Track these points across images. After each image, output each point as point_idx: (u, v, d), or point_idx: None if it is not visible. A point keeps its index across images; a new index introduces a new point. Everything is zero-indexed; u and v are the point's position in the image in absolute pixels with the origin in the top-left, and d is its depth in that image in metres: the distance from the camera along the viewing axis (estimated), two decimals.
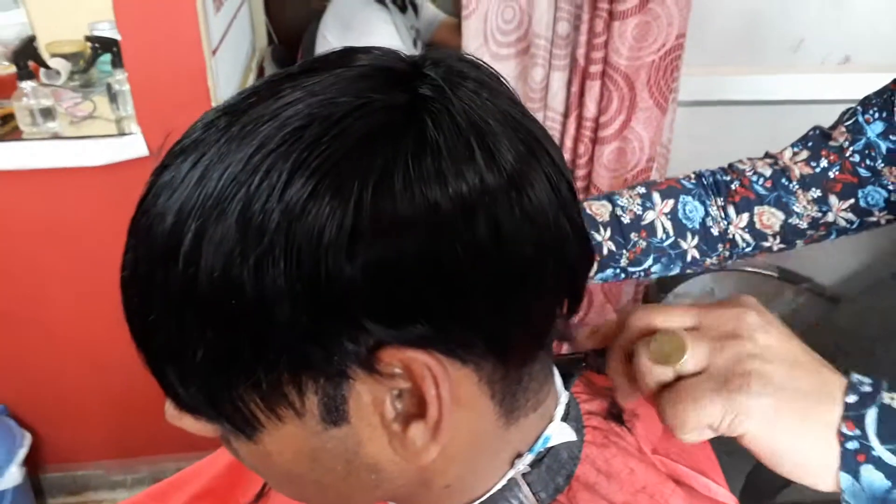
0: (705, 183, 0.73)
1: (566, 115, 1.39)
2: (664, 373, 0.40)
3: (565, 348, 0.53)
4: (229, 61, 1.64)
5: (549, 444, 0.42)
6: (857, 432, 0.37)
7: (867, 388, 0.38)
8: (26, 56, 1.39)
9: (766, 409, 0.37)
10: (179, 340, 0.31)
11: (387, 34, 2.06)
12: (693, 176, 0.74)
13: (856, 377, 0.39)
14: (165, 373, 0.33)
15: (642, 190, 0.71)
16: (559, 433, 0.43)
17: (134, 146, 1.41)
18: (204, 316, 0.30)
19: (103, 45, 1.54)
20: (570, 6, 1.27)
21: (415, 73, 0.33)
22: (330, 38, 2.10)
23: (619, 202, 0.70)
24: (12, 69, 1.40)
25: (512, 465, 0.41)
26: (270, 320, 0.30)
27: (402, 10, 2.21)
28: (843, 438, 0.37)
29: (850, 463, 0.37)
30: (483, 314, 0.32)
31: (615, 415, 0.48)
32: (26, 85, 1.40)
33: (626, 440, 0.48)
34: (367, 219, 0.29)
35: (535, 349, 0.38)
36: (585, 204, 0.70)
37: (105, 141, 1.44)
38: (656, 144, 1.39)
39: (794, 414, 0.38)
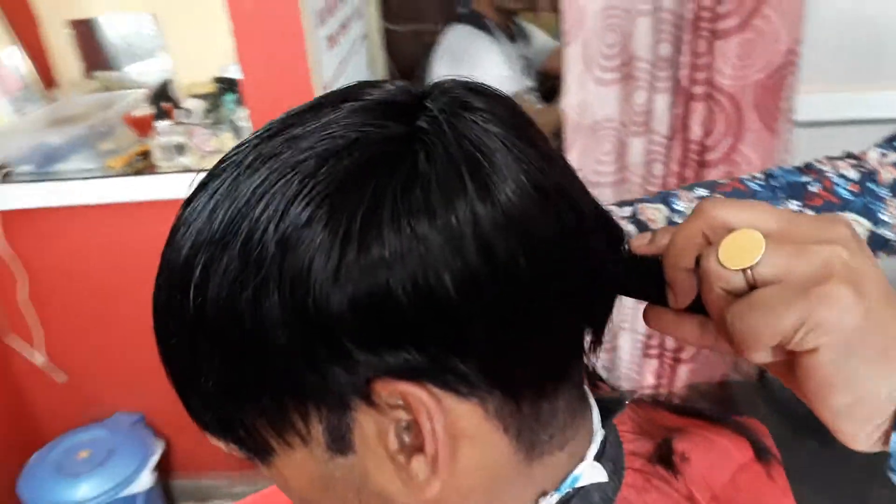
0: (776, 184, 0.66)
1: (670, 139, 1.35)
2: (735, 278, 0.33)
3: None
4: None
5: (579, 485, 0.41)
6: None
7: None
8: (162, 98, 1.53)
9: (849, 329, 0.31)
10: (193, 366, 0.34)
11: (494, 64, 2.09)
12: (762, 176, 0.67)
13: None
14: (186, 396, 0.36)
15: (702, 192, 0.65)
16: (590, 473, 0.42)
17: None
18: (212, 343, 0.33)
19: (228, 85, 1.67)
20: (671, 27, 1.24)
21: (417, 105, 0.34)
22: (439, 72, 2.16)
23: (676, 206, 0.65)
24: (150, 111, 1.55)
25: (536, 503, 0.40)
26: (269, 349, 0.31)
27: (512, 39, 2.24)
28: None
29: None
30: (479, 346, 0.32)
31: (662, 457, 0.46)
32: (162, 124, 1.55)
33: (674, 485, 0.45)
34: (354, 250, 0.30)
35: (551, 384, 0.37)
36: (639, 207, 0.65)
37: None
38: (768, 167, 1.31)
39: (875, 345, 0.32)
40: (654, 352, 1.53)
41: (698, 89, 1.24)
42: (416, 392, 0.32)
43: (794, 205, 0.65)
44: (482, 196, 0.31)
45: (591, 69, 1.38)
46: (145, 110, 1.58)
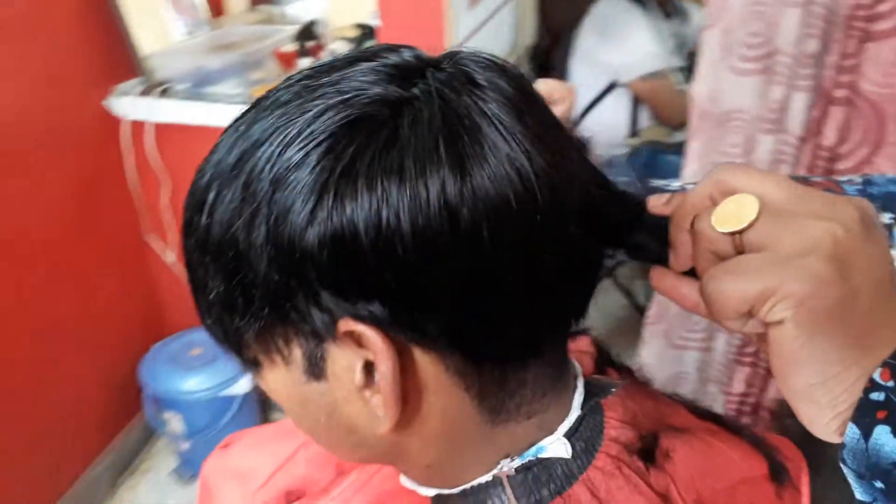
0: (873, 192, 0.61)
1: (803, 141, 1.26)
2: (723, 241, 0.33)
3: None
4: None
5: (542, 455, 0.43)
6: (891, 384, 0.30)
7: None
8: (306, 37, 1.62)
9: (820, 307, 0.30)
10: (202, 279, 0.38)
11: (643, 39, 2.02)
12: (860, 181, 0.62)
13: None
14: (198, 304, 0.41)
15: None
16: (555, 447, 0.43)
17: None
18: (214, 260, 0.37)
19: (369, 31, 1.73)
20: (822, 22, 1.15)
21: (422, 72, 0.36)
22: (586, 41, 2.12)
23: None
24: (294, 47, 1.64)
25: (497, 464, 0.43)
26: (255, 275, 0.35)
27: (668, 16, 2.15)
28: (871, 385, 0.30)
29: (864, 415, 0.30)
30: (439, 306, 0.34)
31: (642, 449, 0.47)
32: (303, 61, 1.64)
33: (647, 478, 0.46)
34: (329, 197, 0.33)
35: (518, 355, 0.39)
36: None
37: None
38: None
39: (851, 330, 0.31)
40: (747, 360, 1.47)
41: (840, 92, 1.15)
42: (371, 335, 0.35)
43: (887, 217, 0.61)
44: (454, 169, 0.33)
45: (729, 57, 1.31)
46: (293, 46, 1.67)
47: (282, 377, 0.40)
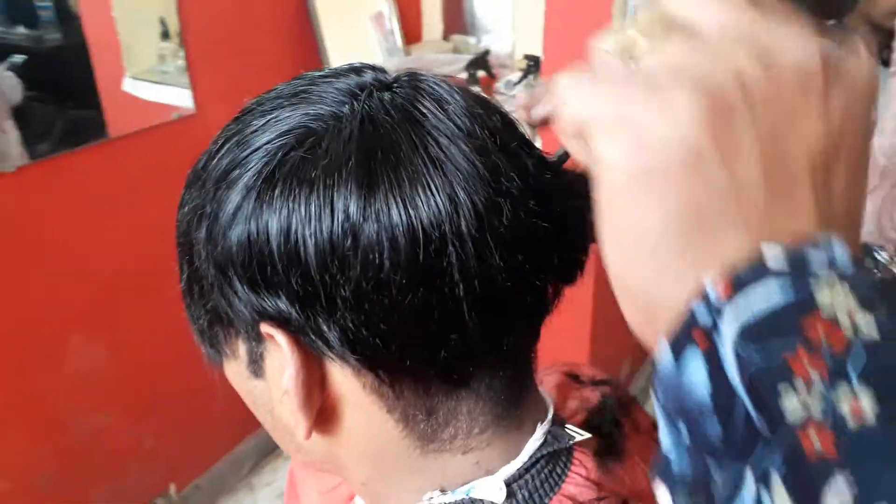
0: None
1: None
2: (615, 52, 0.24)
3: None
4: None
5: (473, 495, 0.42)
6: (725, 304, 0.21)
7: (818, 256, 0.21)
8: (477, 67, 1.68)
9: (658, 165, 0.22)
10: (179, 266, 0.43)
11: None
12: None
13: (831, 238, 0.21)
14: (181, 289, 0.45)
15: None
16: (488, 489, 0.42)
17: None
18: (180, 252, 0.41)
19: (534, 62, 1.75)
20: None
21: (370, 93, 0.37)
22: None
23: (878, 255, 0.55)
24: (464, 75, 1.71)
25: (426, 495, 0.42)
26: (199, 267, 0.39)
27: (885, 63, 1.91)
28: (701, 296, 0.21)
29: (682, 336, 0.22)
30: (337, 314, 0.35)
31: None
32: (473, 89, 1.70)
33: None
34: (252, 199, 0.35)
35: (441, 382, 0.38)
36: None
37: None
38: None
39: (690, 222, 0.22)
40: None
41: None
42: (280, 337, 0.36)
43: None
44: (361, 187, 0.34)
45: None
46: (465, 75, 1.75)
47: (234, 371, 0.43)
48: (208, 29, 1.61)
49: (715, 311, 0.21)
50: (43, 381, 1.44)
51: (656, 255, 0.23)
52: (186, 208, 0.40)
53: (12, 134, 1.30)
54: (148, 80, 1.55)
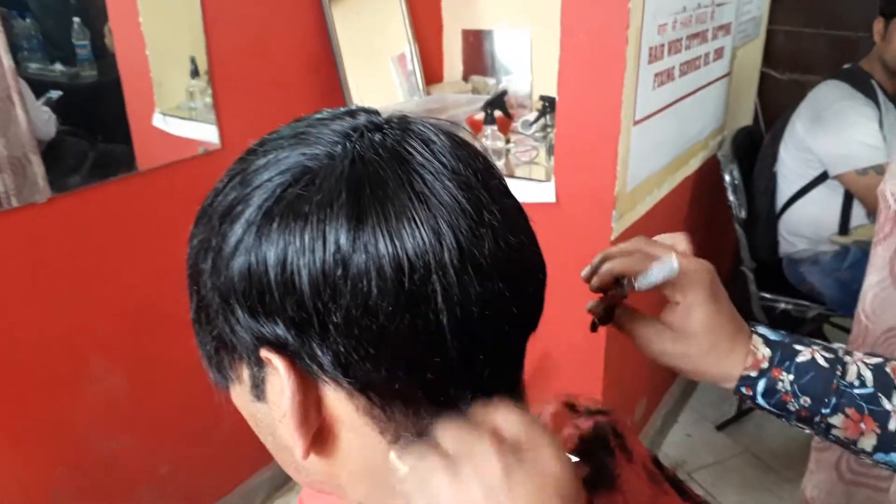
0: None
1: None
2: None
3: None
4: (660, 132, 1.72)
5: None
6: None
7: None
8: (494, 106, 1.72)
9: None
10: (189, 296, 0.45)
11: (863, 130, 1.85)
12: None
13: None
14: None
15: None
16: None
17: (545, 193, 1.62)
18: (190, 282, 0.44)
19: (550, 103, 1.79)
20: None
21: (362, 134, 0.40)
22: (798, 126, 1.98)
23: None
24: (481, 115, 1.75)
25: None
26: (205, 296, 0.41)
27: None
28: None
29: None
30: (329, 338, 0.37)
31: None
32: (489, 129, 1.74)
33: None
34: (252, 233, 0.38)
35: (429, 404, 0.40)
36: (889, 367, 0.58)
37: (532, 184, 1.68)
38: None
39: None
40: None
41: None
42: (277, 361, 0.39)
43: None
44: (350, 220, 0.37)
45: None
46: (482, 115, 1.79)
47: (238, 395, 0.45)
48: (235, 68, 1.67)
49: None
50: (63, 403, 1.48)
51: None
52: (195, 241, 0.43)
53: (39, 166, 1.36)
54: (177, 115, 1.61)
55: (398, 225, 0.37)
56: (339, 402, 0.40)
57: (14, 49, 1.30)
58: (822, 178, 1.94)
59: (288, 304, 0.38)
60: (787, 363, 0.58)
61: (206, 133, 1.64)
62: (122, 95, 1.50)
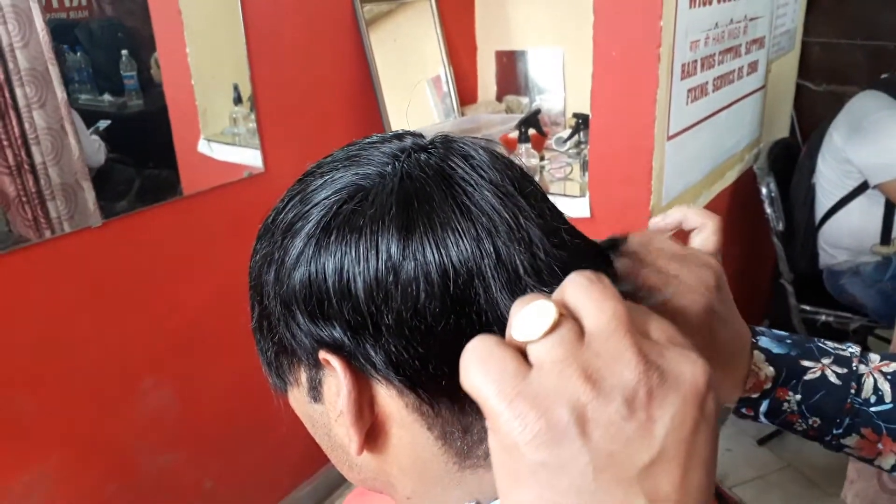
0: None
1: None
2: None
3: None
4: (695, 146, 1.72)
5: None
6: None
7: None
8: (528, 125, 1.75)
9: (523, 463, 0.30)
10: (251, 307, 0.49)
11: None
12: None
13: None
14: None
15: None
16: None
17: (580, 208, 1.63)
18: (253, 293, 0.47)
19: (584, 120, 1.81)
20: None
21: (409, 154, 0.43)
22: (836, 137, 1.97)
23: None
24: (515, 134, 1.78)
25: None
26: (268, 305, 0.45)
27: None
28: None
29: None
30: (382, 339, 0.40)
31: None
32: (523, 146, 1.77)
33: None
34: (312, 245, 0.42)
35: (472, 402, 0.42)
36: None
37: (567, 199, 1.70)
38: None
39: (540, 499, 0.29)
40: None
41: None
42: (334, 361, 0.42)
43: None
44: (401, 231, 0.40)
45: None
46: (516, 133, 1.82)
47: (296, 398, 0.48)
48: (277, 94, 1.73)
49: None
50: (115, 420, 1.53)
51: None
52: (258, 256, 0.46)
53: (90, 192, 1.42)
54: (221, 141, 1.67)
55: (443, 234, 0.40)
56: (390, 399, 0.43)
57: (66, 81, 1.37)
58: (862, 188, 1.92)
59: (344, 309, 0.41)
60: (794, 381, 0.54)
61: (250, 157, 1.70)
62: (168, 123, 1.56)
